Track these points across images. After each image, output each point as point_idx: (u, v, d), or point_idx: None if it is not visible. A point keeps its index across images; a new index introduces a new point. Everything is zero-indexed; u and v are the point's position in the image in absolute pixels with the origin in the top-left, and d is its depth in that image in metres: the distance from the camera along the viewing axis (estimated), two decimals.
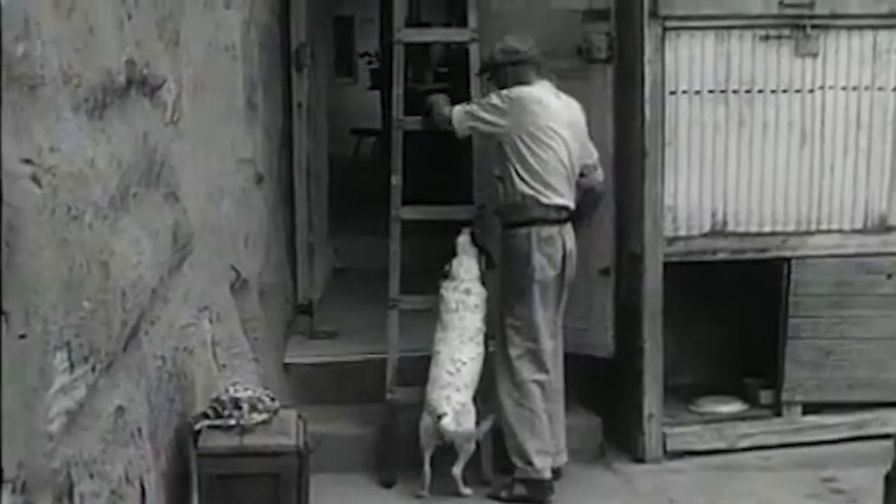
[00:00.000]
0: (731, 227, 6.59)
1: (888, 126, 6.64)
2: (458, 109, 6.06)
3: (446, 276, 6.31)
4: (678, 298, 6.47)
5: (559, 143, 5.75)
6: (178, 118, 3.77)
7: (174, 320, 3.75)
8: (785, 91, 6.51)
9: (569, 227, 5.83)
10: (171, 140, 3.64)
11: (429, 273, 6.49)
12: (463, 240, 6.38)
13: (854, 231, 6.70)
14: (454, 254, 6.34)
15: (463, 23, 6.90)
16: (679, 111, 6.42)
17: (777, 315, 6.70)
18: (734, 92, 6.47)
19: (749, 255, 6.63)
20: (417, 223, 6.63)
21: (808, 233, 6.66)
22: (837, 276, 6.70)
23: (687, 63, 6.38)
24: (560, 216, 5.76)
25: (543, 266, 5.67)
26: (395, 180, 6.61)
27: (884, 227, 6.72)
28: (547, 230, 5.67)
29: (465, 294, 6.22)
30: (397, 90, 6.70)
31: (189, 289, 4.05)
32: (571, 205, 5.85)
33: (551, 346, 5.91)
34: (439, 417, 5.97)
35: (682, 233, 6.54)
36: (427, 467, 6.06)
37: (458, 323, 6.18)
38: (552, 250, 5.70)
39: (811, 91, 6.53)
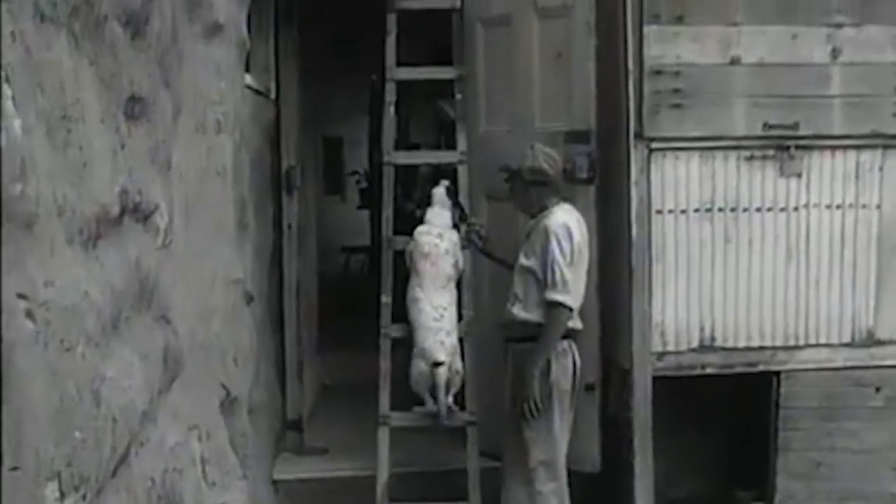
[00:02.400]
0: (719, 342, 6.64)
1: (872, 242, 6.73)
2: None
3: (421, 221, 6.59)
4: (668, 411, 6.50)
5: (583, 268, 5.79)
6: (170, 241, 3.81)
7: (164, 440, 3.75)
8: (770, 209, 6.61)
9: (573, 341, 5.85)
10: (163, 263, 3.67)
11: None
12: (439, 191, 6.63)
13: (842, 345, 6.75)
14: (429, 204, 6.63)
15: (452, 144, 7.02)
16: (665, 230, 6.52)
17: (768, 427, 6.71)
18: (720, 210, 6.57)
19: (738, 370, 6.66)
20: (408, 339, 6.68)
21: (797, 347, 6.70)
22: (827, 390, 6.74)
23: (672, 183, 6.50)
24: (571, 330, 5.79)
25: (560, 379, 5.69)
26: (385, 298, 6.72)
27: (872, 341, 6.76)
28: (561, 344, 5.70)
29: (437, 238, 6.47)
30: (387, 211, 6.83)
31: (178, 408, 4.05)
32: (580, 324, 5.87)
33: (565, 458, 5.91)
34: (437, 364, 6.19)
35: (671, 348, 6.58)
36: (429, 397, 6.35)
37: (430, 269, 6.40)
38: (567, 363, 5.73)
39: (796, 209, 6.63)
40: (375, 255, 9.33)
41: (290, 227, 7.04)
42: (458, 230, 6.62)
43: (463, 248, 6.57)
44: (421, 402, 6.49)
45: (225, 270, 5.19)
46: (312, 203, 8.58)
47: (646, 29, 6.35)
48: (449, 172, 6.92)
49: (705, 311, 6.62)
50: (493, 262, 6.48)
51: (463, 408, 6.60)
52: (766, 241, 6.65)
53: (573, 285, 5.60)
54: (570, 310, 5.61)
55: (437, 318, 6.34)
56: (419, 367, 6.33)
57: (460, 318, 6.54)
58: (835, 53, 6.53)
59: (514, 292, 5.80)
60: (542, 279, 5.62)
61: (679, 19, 6.39)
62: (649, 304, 6.52)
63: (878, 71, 6.59)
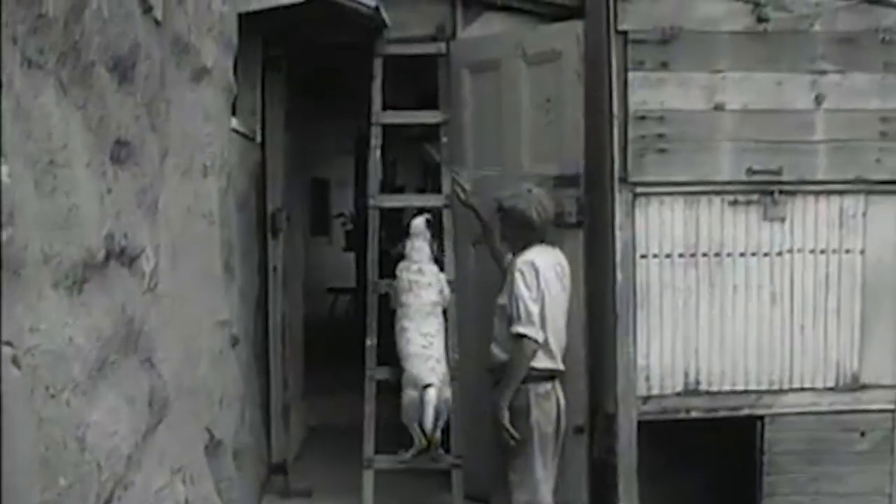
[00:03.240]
0: (703, 386, 6.66)
1: (857, 288, 6.77)
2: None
3: (402, 256, 6.69)
4: (653, 455, 6.50)
5: (558, 307, 5.79)
6: (156, 285, 3.81)
7: (149, 484, 3.73)
8: (754, 254, 6.65)
9: (558, 383, 5.85)
10: (149, 307, 3.67)
11: (404, 431, 6.54)
12: (418, 222, 6.74)
13: (827, 389, 6.77)
14: (408, 235, 6.74)
15: (437, 187, 7.05)
16: (650, 274, 6.56)
17: (753, 471, 6.72)
18: (704, 255, 6.60)
19: (722, 414, 6.68)
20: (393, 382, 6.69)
21: (781, 391, 6.72)
22: (812, 434, 6.76)
23: (657, 227, 6.54)
24: (554, 372, 5.78)
25: (541, 422, 5.68)
26: (370, 341, 6.76)
27: (856, 385, 6.79)
28: (543, 386, 5.68)
29: (418, 273, 6.60)
30: (372, 254, 6.87)
31: (164, 451, 4.04)
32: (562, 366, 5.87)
33: (550, 501, 5.88)
34: (426, 387, 6.26)
35: (656, 392, 6.60)
36: (418, 433, 6.42)
37: (413, 300, 6.54)
38: (549, 406, 5.71)
39: (780, 254, 6.67)
40: (361, 297, 9.33)
41: (275, 269, 7.04)
42: (438, 262, 6.74)
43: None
44: (407, 444, 6.50)
45: (211, 313, 5.19)
46: (299, 245, 8.59)
47: (630, 75, 6.41)
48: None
49: (690, 356, 6.64)
50: (477, 219, 6.46)
51: (448, 450, 6.60)
52: (750, 286, 6.68)
53: (538, 319, 5.59)
54: (536, 343, 5.60)
55: (425, 345, 6.43)
56: (409, 395, 6.39)
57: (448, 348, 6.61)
58: (819, 100, 6.59)
59: (494, 333, 5.82)
60: (510, 315, 5.64)
61: (664, 66, 6.45)
62: (634, 347, 6.55)
63: (861, 117, 6.64)
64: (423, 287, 6.58)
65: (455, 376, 6.62)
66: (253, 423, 6.59)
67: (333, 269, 15.38)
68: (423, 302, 6.55)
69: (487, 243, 6.29)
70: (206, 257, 5.08)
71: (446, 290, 6.69)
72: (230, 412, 5.69)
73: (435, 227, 6.85)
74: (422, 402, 6.32)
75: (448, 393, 6.49)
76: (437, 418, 6.41)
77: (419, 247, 6.69)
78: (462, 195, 6.44)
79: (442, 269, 6.80)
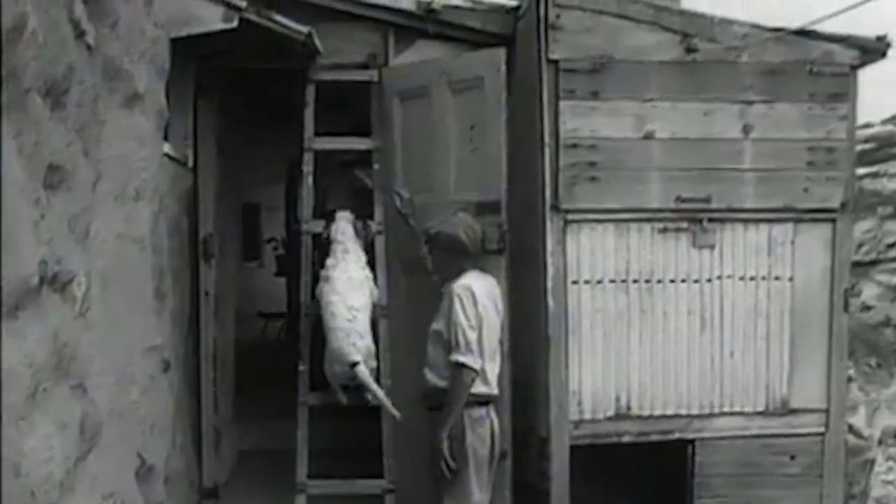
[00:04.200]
0: (635, 411, 6.72)
1: (786, 314, 6.88)
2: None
3: (328, 239, 6.72)
4: (586, 479, 6.53)
5: (493, 333, 5.80)
6: (88, 310, 3.79)
7: None
8: (684, 281, 6.73)
9: (492, 408, 5.85)
10: (81, 332, 3.65)
11: (339, 456, 6.53)
12: (342, 212, 6.86)
13: (756, 413, 6.87)
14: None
15: (368, 213, 7.05)
16: (581, 300, 6.62)
17: (684, 494, 6.79)
18: (635, 282, 6.68)
19: (654, 438, 6.75)
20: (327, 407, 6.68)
21: (712, 415, 6.81)
22: (742, 457, 6.85)
23: (588, 254, 6.61)
24: (489, 398, 5.78)
25: (476, 446, 5.68)
26: (302, 366, 6.75)
27: (786, 410, 6.90)
28: (478, 411, 5.69)
29: (343, 253, 6.62)
30: (305, 277, 6.86)
31: (96, 477, 4.01)
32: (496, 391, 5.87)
33: None
34: (353, 365, 6.27)
35: (588, 416, 6.66)
36: (343, 394, 6.53)
37: (340, 275, 6.52)
38: (483, 431, 5.71)
39: (709, 280, 6.76)
40: (293, 322, 9.31)
41: (207, 294, 7.00)
42: (364, 244, 6.81)
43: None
44: (341, 475, 6.49)
45: (142, 338, 5.16)
46: (230, 270, 8.55)
47: (562, 104, 6.49)
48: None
49: (621, 381, 6.70)
50: (408, 226, 6.48)
51: (381, 476, 6.61)
52: (680, 312, 6.76)
53: (477, 347, 5.61)
54: (475, 371, 5.62)
55: (350, 318, 6.40)
56: (334, 369, 6.42)
57: (374, 324, 6.65)
58: (747, 129, 6.69)
59: (427, 358, 5.81)
60: (448, 342, 5.64)
61: (595, 94, 6.52)
62: (566, 372, 6.59)
63: (789, 147, 6.77)
64: (350, 263, 6.61)
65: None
66: (184, 447, 6.54)
67: (265, 294, 15.31)
68: (349, 276, 6.56)
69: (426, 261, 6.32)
70: (138, 282, 5.05)
71: (375, 291, 6.74)
72: (161, 437, 5.66)
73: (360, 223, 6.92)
74: (352, 379, 6.37)
75: (374, 365, 6.54)
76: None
77: (343, 229, 6.74)
78: (398, 203, 6.47)
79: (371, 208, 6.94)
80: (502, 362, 5.95)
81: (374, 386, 6.34)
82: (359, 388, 6.42)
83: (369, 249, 6.87)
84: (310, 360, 6.80)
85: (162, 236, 5.68)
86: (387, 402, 6.33)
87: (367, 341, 6.45)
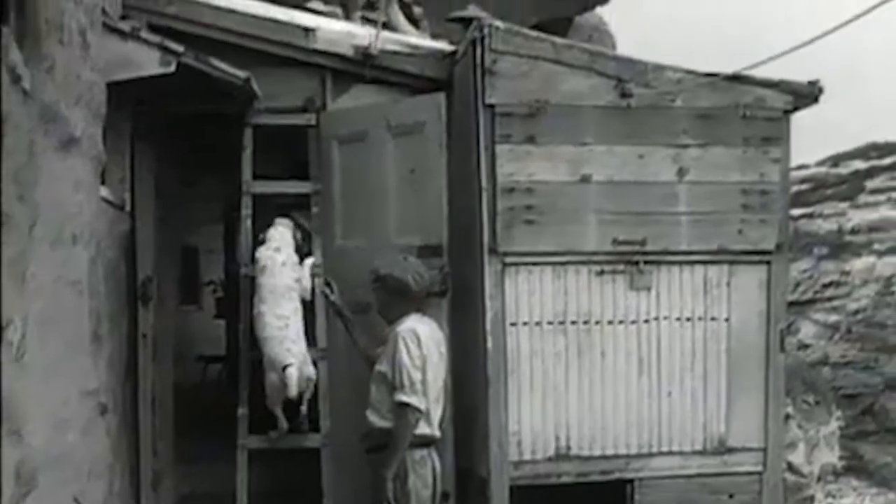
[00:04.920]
0: (574, 451, 6.74)
1: (722, 354, 6.93)
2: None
3: (262, 241, 6.77)
4: None
5: (437, 374, 5.82)
6: (23, 355, 3.77)
7: None
8: (621, 322, 6.78)
9: (434, 449, 5.86)
10: (17, 377, 3.63)
11: (279, 499, 6.50)
12: (281, 218, 6.91)
13: (694, 453, 6.91)
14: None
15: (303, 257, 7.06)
16: (520, 341, 6.64)
17: None
18: (572, 323, 6.71)
19: (593, 478, 6.77)
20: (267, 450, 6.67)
21: (650, 455, 6.85)
22: (681, 497, 6.88)
23: (526, 296, 6.64)
24: (431, 439, 5.79)
25: (419, 488, 5.68)
26: (242, 410, 6.72)
27: (724, 449, 6.94)
28: (420, 452, 5.69)
29: (275, 252, 6.68)
30: (244, 323, 6.84)
31: None
32: (438, 432, 5.88)
33: None
34: (285, 367, 6.33)
35: (528, 457, 6.68)
36: (282, 417, 6.58)
37: (268, 280, 6.59)
38: (425, 472, 5.72)
39: (646, 322, 6.81)
40: (232, 364, 9.26)
41: (145, 337, 6.97)
42: (299, 246, 6.89)
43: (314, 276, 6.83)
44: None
45: (79, 382, 5.13)
46: (169, 313, 8.51)
47: (499, 148, 6.53)
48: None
49: (560, 421, 6.73)
50: (339, 317, 6.49)
51: (318, 429, 6.75)
52: (618, 353, 6.80)
53: (422, 387, 5.62)
54: (419, 412, 5.62)
55: (281, 327, 6.48)
56: (271, 378, 6.46)
57: (307, 331, 6.69)
58: (681, 173, 6.77)
59: (370, 399, 5.81)
60: (392, 383, 5.65)
61: (531, 139, 6.57)
62: (506, 413, 6.60)
63: (723, 190, 6.85)
64: (278, 266, 6.65)
65: (327, 443, 6.64)
66: (122, 491, 6.49)
67: (204, 337, 15.20)
68: (276, 283, 6.60)
69: (351, 337, 6.34)
70: (75, 327, 5.02)
71: (306, 282, 6.79)
72: (99, 482, 5.61)
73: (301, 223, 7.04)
74: (284, 385, 6.40)
75: (310, 370, 6.58)
76: (302, 398, 6.58)
77: (281, 232, 6.82)
78: (331, 296, 6.49)
79: (303, 257, 6.93)
80: (445, 404, 5.97)
81: (293, 391, 6.41)
82: (299, 424, 6.45)
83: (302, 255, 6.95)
84: (249, 402, 6.78)
85: (99, 280, 5.65)
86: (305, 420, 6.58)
87: (300, 346, 6.54)
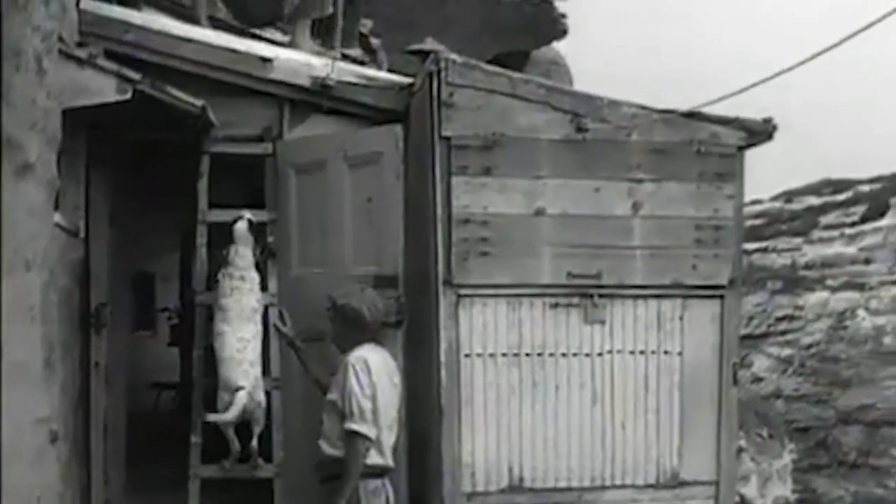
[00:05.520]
0: (528, 483, 6.75)
1: (675, 388, 6.96)
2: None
3: (225, 261, 6.72)
4: None
5: (389, 404, 5.81)
6: None
7: None
8: (575, 354, 6.80)
9: (388, 480, 5.84)
10: None
11: None
12: (240, 226, 6.82)
13: (647, 486, 6.93)
14: (232, 241, 6.77)
15: (263, 286, 7.04)
16: (474, 373, 6.65)
17: None
18: (527, 355, 6.73)
19: None
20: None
21: (603, 487, 6.85)
22: None
23: (481, 328, 6.65)
24: (384, 469, 5.78)
25: None
26: (195, 439, 6.69)
27: (676, 482, 6.96)
28: (373, 483, 5.67)
29: (239, 280, 6.66)
30: (198, 350, 6.83)
31: None
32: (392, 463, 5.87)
33: None
34: (237, 390, 6.33)
35: (481, 489, 6.67)
36: (234, 438, 6.58)
37: (234, 305, 6.58)
38: (379, 502, 5.70)
39: (600, 354, 6.84)
40: (186, 391, 9.23)
41: (97, 364, 6.93)
42: (260, 266, 6.87)
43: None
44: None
45: (29, 410, 5.09)
46: (122, 339, 8.47)
47: (454, 179, 6.55)
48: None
49: (514, 453, 6.73)
50: (294, 352, 6.47)
51: (271, 459, 6.76)
52: (571, 385, 6.82)
53: (371, 415, 5.62)
54: (369, 440, 5.61)
55: (239, 349, 6.49)
56: (223, 399, 6.44)
57: (265, 352, 6.69)
58: (636, 207, 6.82)
59: (322, 428, 5.81)
60: (342, 411, 5.65)
61: (486, 171, 6.60)
62: (459, 444, 6.60)
63: (677, 224, 6.90)
64: (245, 293, 6.66)
65: (281, 472, 6.64)
66: None
67: (158, 364, 15.13)
68: (242, 307, 6.61)
69: (304, 366, 6.33)
70: (26, 353, 4.99)
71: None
72: None
73: (257, 232, 6.97)
74: (235, 407, 6.40)
75: (261, 396, 6.58)
76: (249, 422, 6.56)
77: (242, 253, 6.77)
78: (282, 328, 6.49)
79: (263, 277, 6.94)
80: (399, 433, 5.97)
81: (232, 415, 6.41)
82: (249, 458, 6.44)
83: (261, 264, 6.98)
84: (203, 430, 6.75)
85: (52, 307, 5.62)
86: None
87: (256, 370, 6.54)
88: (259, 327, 6.64)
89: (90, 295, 6.83)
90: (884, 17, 3.99)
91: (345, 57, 8.31)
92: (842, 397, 22.99)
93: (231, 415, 6.38)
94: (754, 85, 5.21)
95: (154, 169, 8.38)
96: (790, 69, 4.81)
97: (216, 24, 8.52)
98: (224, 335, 6.53)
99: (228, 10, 9.53)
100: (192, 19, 8.22)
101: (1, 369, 4.19)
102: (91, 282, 6.86)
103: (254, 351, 6.56)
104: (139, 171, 8.32)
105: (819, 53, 4.54)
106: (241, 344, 6.50)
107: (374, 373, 5.62)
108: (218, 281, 6.73)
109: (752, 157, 7.12)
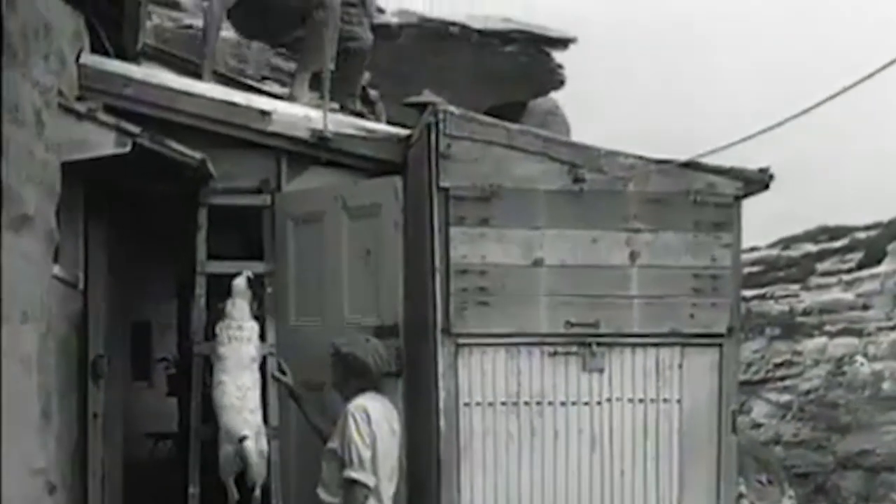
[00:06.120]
0: None
1: (675, 435, 6.94)
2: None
3: (222, 315, 6.72)
4: None
5: (389, 453, 5.81)
6: None
7: None
8: (574, 403, 6.79)
9: None
10: None
11: None
12: (239, 282, 6.82)
13: None
14: (230, 295, 6.77)
15: (261, 336, 7.06)
16: (473, 422, 6.65)
17: None
18: (525, 404, 6.73)
19: None
20: None
21: None
22: None
23: (479, 377, 6.65)
24: None
25: None
26: (192, 489, 6.69)
27: None
28: None
29: (237, 330, 6.67)
30: (196, 400, 6.83)
31: None
32: None
33: None
34: (241, 440, 6.30)
35: None
36: (234, 488, 6.47)
37: (232, 354, 6.59)
38: None
39: (599, 403, 6.83)
40: (183, 442, 9.20)
41: (95, 415, 6.93)
42: (258, 319, 6.88)
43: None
44: None
45: (27, 460, 5.09)
46: (119, 389, 8.46)
47: (452, 230, 6.57)
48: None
49: (513, 501, 6.72)
50: (295, 402, 6.48)
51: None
52: (570, 434, 6.81)
53: (370, 464, 5.61)
54: (368, 488, 5.60)
55: (239, 397, 6.48)
56: (226, 450, 6.42)
57: (263, 401, 6.67)
58: (633, 256, 6.83)
59: (321, 476, 5.81)
60: (342, 459, 5.65)
61: (484, 221, 6.63)
62: (458, 493, 6.59)
63: (674, 274, 6.90)
64: (243, 342, 6.66)
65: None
66: None
67: (155, 414, 15.09)
68: (241, 356, 6.61)
69: (305, 416, 6.34)
70: (23, 404, 5.00)
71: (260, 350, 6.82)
72: None
73: (256, 287, 6.97)
74: (239, 457, 6.38)
75: (264, 444, 6.55)
76: (255, 481, 6.52)
77: (240, 305, 6.78)
78: (282, 378, 6.50)
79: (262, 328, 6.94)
80: (399, 482, 5.97)
81: (255, 467, 6.39)
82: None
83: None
84: (200, 480, 6.74)
85: (49, 357, 5.63)
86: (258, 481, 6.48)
87: (257, 418, 6.53)
88: (258, 376, 6.65)
89: (88, 345, 6.84)
90: (867, 76, 4.02)
91: (341, 108, 8.35)
92: (841, 443, 22.97)
93: (254, 473, 6.42)
94: (750, 137, 5.24)
95: (152, 218, 8.41)
96: (786, 121, 4.84)
97: (216, 77, 8.56)
98: (223, 384, 6.53)
99: (243, 28, 9.52)
100: (195, 74, 8.27)
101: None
102: (89, 332, 6.87)
103: (254, 399, 6.55)
104: (137, 220, 8.34)
105: (813, 107, 4.58)
106: (240, 392, 6.49)
107: (374, 422, 5.64)
108: (216, 333, 6.74)
109: (749, 203, 7.15)
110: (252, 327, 6.74)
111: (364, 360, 5.85)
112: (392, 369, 6.40)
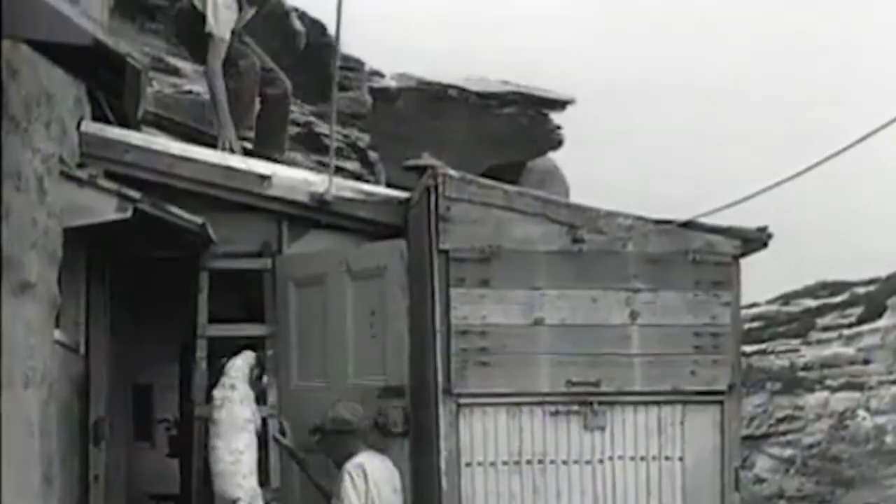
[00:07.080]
0: None
1: (677, 493, 6.94)
2: None
3: (221, 372, 6.72)
4: None
5: None
6: None
7: None
8: (576, 462, 6.80)
9: None
10: None
11: None
12: (238, 363, 6.83)
13: None
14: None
15: (263, 399, 7.07)
16: (475, 482, 6.64)
17: None
18: (527, 463, 6.73)
19: None
20: None
21: None
22: None
23: (481, 436, 6.66)
24: None
25: None
26: None
27: None
28: None
29: (230, 390, 6.64)
30: (197, 462, 6.82)
31: None
32: None
33: None
34: (234, 502, 6.26)
35: None
36: None
37: (226, 416, 6.56)
38: None
39: (601, 461, 6.83)
40: (185, 502, 9.19)
41: (97, 478, 6.92)
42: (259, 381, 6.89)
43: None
44: None
45: None
46: (121, 450, 8.46)
47: (453, 291, 6.60)
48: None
49: None
50: (297, 463, 6.48)
51: None
52: (573, 492, 6.80)
53: None
54: None
55: (232, 461, 6.45)
56: None
57: (261, 469, 6.63)
58: (633, 316, 6.87)
59: None
60: None
61: (484, 283, 6.66)
62: None
63: (674, 332, 6.93)
64: (236, 402, 6.64)
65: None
66: None
67: (157, 475, 15.03)
68: (234, 417, 6.59)
69: (309, 478, 6.36)
70: (24, 468, 4.99)
71: (258, 415, 6.77)
72: None
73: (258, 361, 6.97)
74: None
75: None
76: None
77: (238, 366, 6.80)
78: (283, 440, 6.52)
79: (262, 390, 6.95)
80: None
81: None
82: None
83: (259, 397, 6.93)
84: None
85: (51, 421, 5.63)
86: None
87: (251, 482, 6.49)
88: (253, 437, 6.63)
89: (89, 408, 6.85)
90: (865, 137, 4.06)
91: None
92: (844, 497, 22.82)
93: None
94: (749, 197, 5.29)
95: (153, 281, 8.43)
96: (783, 182, 4.89)
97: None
98: (217, 449, 6.53)
99: None
100: (196, 140, 8.33)
101: (0, 486, 4.20)
102: (91, 395, 6.89)
103: (248, 463, 6.53)
104: (138, 283, 8.37)
105: (811, 167, 4.63)
106: (233, 457, 6.48)
107: (372, 479, 5.66)
108: (213, 396, 6.75)
109: (748, 260, 7.18)
110: (244, 389, 6.73)
111: (342, 416, 5.90)
112: (399, 429, 6.43)
